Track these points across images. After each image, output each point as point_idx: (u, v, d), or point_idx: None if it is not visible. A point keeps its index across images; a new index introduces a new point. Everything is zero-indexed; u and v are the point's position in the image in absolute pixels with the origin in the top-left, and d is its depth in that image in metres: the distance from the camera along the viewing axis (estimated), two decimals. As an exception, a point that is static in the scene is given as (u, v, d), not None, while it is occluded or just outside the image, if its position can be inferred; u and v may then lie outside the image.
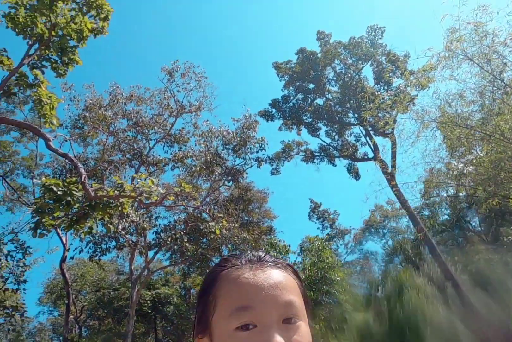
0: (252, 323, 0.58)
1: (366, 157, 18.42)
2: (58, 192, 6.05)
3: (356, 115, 19.21)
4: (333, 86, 21.54)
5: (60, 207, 6.12)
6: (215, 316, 0.62)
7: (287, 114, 20.21)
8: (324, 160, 18.83)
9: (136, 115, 15.54)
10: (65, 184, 6.26)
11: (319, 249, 9.94)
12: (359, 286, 11.68)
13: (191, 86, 15.82)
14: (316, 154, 18.97)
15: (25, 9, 6.66)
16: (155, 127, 15.58)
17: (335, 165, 18.75)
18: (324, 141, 19.49)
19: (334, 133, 19.38)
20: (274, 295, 0.60)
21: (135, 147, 15.53)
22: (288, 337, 0.57)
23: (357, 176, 18.29)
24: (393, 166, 13.44)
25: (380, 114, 17.31)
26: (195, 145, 15.40)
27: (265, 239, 9.54)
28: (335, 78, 21.88)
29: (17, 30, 6.80)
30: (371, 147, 18.03)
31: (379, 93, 18.40)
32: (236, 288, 0.62)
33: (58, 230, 14.29)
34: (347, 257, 21.95)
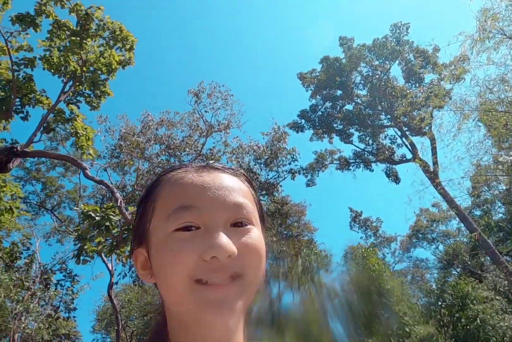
0: (194, 224, 0.52)
1: (404, 159, 17.89)
2: (96, 218, 6.46)
3: (388, 116, 18.87)
4: (361, 90, 21.42)
5: (100, 233, 6.53)
6: (153, 221, 0.56)
7: (316, 124, 20.26)
8: (360, 167, 18.51)
9: (167, 139, 16.33)
10: (103, 209, 6.70)
11: (363, 256, 9.63)
12: (413, 295, 11.14)
13: (218, 105, 16.42)
14: (351, 161, 18.71)
15: (58, 50, 7.46)
16: (187, 149, 16.24)
17: (372, 171, 18.35)
18: (358, 147, 19.23)
19: (367, 138, 19.09)
20: (222, 195, 0.54)
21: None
22: (236, 239, 0.52)
23: (396, 179, 17.74)
24: (435, 163, 12.89)
25: (414, 113, 16.91)
26: (227, 162, 15.83)
27: (304, 250, 9.46)
28: (362, 81, 21.77)
29: (52, 70, 7.59)
30: (408, 148, 17.52)
31: (410, 91, 18.04)
32: (178, 188, 0.55)
33: (103, 256, 15.07)
34: (396, 266, 21.04)
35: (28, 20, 6.37)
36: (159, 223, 0.54)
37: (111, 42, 7.14)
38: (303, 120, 20.03)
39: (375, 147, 18.79)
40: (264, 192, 15.17)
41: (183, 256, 0.50)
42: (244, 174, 0.62)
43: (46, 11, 6.41)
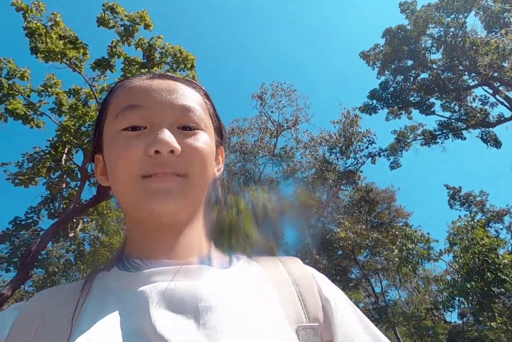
0: (141, 125, 0.56)
1: (502, 118, 16.30)
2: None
3: (473, 74, 17.49)
4: (434, 54, 20.21)
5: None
6: (105, 124, 0.60)
7: (390, 101, 19.66)
8: (448, 138, 17.38)
9: (240, 146, 17.54)
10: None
11: (467, 229, 9.06)
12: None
13: (283, 103, 17.14)
14: (437, 133, 17.69)
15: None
16: (260, 152, 17.24)
17: (464, 139, 17.05)
18: (442, 117, 18.11)
19: (452, 104, 17.86)
20: (170, 98, 0.58)
21: (247, 175, 17.37)
22: (182, 140, 0.55)
23: (497, 143, 16.22)
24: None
25: (505, 64, 15.49)
26: (301, 158, 16.37)
27: (397, 232, 9.30)
28: (435, 44, 20.53)
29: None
30: (505, 104, 15.94)
31: (495, 39, 16.51)
32: (128, 91, 0.59)
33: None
34: (515, 242, 18.81)
35: (104, 63, 7.71)
36: (109, 123, 0.59)
37: (174, 65, 8.21)
38: (374, 101, 19.59)
39: (463, 113, 17.47)
40: (344, 181, 15.33)
41: (129, 151, 0.54)
42: (201, 87, 0.65)
43: (117, 52, 7.70)
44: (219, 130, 0.67)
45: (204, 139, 0.58)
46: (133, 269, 0.56)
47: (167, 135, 0.53)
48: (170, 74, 0.64)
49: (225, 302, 0.49)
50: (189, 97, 0.60)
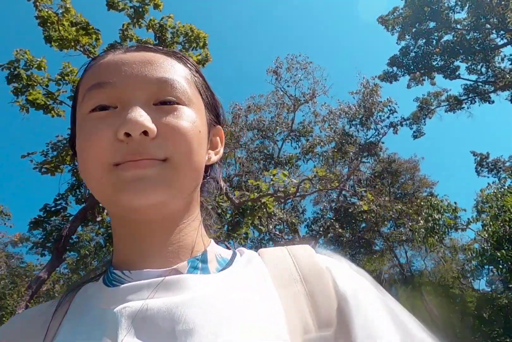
0: (111, 104, 0.49)
1: (534, 78, 15.64)
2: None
3: (502, 32, 16.69)
4: (459, 13, 19.30)
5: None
6: (77, 109, 0.54)
7: (411, 67, 19.09)
8: (475, 102, 16.86)
9: (257, 123, 17.58)
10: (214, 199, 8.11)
11: (497, 197, 8.96)
12: None
13: (299, 77, 16.91)
14: (463, 98, 17.17)
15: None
16: (278, 128, 17.25)
17: (492, 102, 16.50)
18: (468, 80, 17.50)
19: (479, 66, 17.19)
20: (143, 71, 0.50)
21: (266, 153, 17.51)
22: (159, 118, 0.47)
23: (527, 106, 15.69)
24: None
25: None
26: (320, 132, 16.31)
27: (422, 202, 9.29)
28: (459, 2, 19.57)
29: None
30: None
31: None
32: (97, 67, 0.53)
33: (226, 243, 17.16)
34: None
35: (117, 48, 7.88)
36: (78, 106, 0.53)
37: (187, 45, 8.25)
38: (394, 68, 19.04)
39: (491, 75, 16.80)
40: (365, 154, 15.25)
41: (96, 137, 0.47)
42: (188, 59, 0.58)
43: (129, 35, 7.80)
44: (212, 107, 0.59)
45: (187, 116, 0.50)
46: (116, 281, 0.50)
47: (138, 114, 0.46)
48: (149, 45, 0.57)
49: (210, 321, 0.41)
50: (169, 69, 0.52)
